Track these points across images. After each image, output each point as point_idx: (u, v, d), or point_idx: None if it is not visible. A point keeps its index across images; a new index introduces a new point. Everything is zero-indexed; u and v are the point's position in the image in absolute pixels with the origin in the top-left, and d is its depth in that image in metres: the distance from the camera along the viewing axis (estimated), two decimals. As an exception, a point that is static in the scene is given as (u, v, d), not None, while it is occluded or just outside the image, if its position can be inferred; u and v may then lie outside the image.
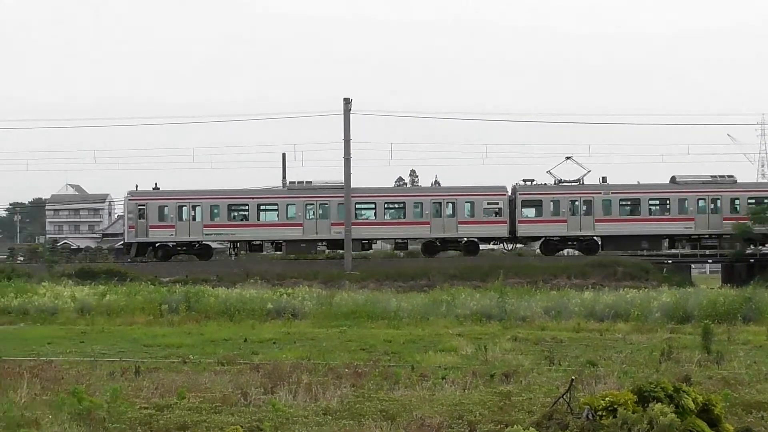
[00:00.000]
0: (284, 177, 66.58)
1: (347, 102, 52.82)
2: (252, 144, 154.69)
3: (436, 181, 67.66)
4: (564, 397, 12.24)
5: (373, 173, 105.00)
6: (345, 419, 13.01)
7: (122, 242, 65.48)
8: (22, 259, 68.36)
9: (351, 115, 52.82)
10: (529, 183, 57.94)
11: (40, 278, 42.35)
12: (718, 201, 55.96)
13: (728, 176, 57.63)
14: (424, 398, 14.66)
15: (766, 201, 56.53)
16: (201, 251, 56.77)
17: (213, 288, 38.03)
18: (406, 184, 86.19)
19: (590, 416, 11.18)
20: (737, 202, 56.03)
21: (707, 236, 56.11)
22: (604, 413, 11.10)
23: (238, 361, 19.88)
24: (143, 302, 34.36)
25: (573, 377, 13.26)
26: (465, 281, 43.91)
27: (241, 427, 12.11)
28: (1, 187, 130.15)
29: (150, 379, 16.87)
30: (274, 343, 24.46)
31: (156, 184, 59.36)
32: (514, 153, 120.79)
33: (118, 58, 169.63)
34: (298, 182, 58.10)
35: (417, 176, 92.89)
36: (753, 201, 56.34)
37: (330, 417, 13.19)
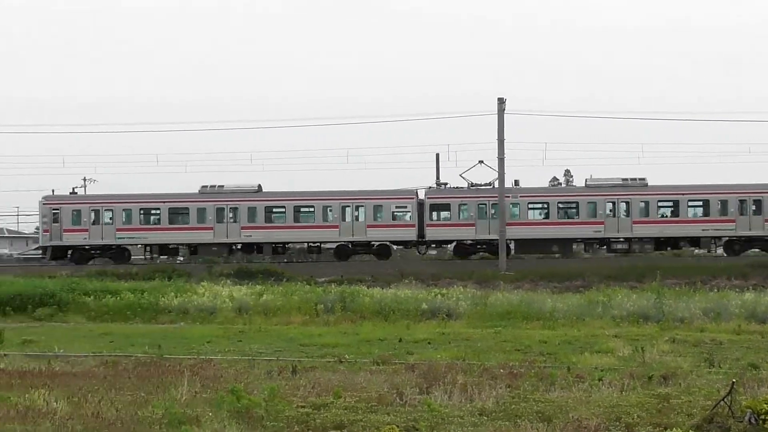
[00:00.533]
0: (438, 177, 66.49)
1: (501, 102, 52.43)
2: (406, 144, 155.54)
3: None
4: (725, 400, 11.87)
5: (527, 173, 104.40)
6: (500, 420, 12.91)
7: (37, 246, 66.79)
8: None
9: (505, 115, 52.41)
10: (442, 187, 58.76)
11: (199, 278, 43.53)
12: (629, 204, 55.99)
13: (639, 179, 57.33)
14: (580, 400, 14.43)
15: (672, 203, 56.41)
16: (116, 254, 57.95)
17: (368, 288, 38.30)
18: (560, 183, 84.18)
19: (753, 420, 10.82)
20: (648, 205, 55.92)
21: (616, 240, 56.16)
22: (767, 417, 10.70)
23: (394, 360, 19.96)
24: (299, 302, 34.88)
25: (734, 380, 12.86)
26: (621, 282, 42.95)
27: (397, 426, 12.13)
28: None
29: (306, 378, 17.10)
30: (429, 343, 24.48)
31: (73, 188, 61.96)
32: (679, 153, 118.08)
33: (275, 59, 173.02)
34: (210, 186, 58.34)
35: (572, 176, 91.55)
36: (663, 204, 56.23)
37: (485, 417, 13.10)
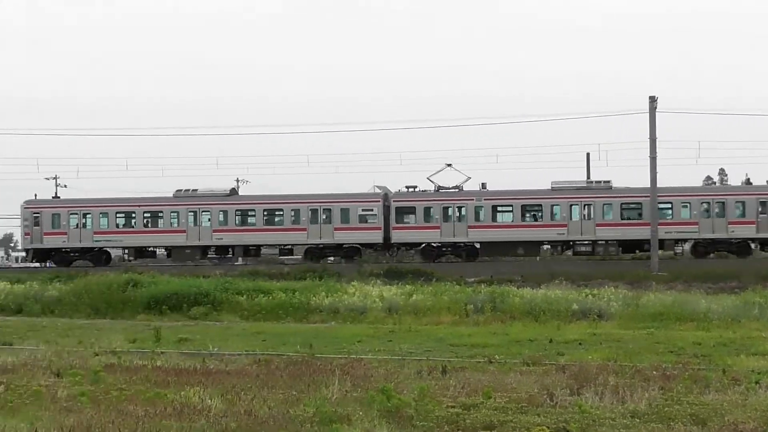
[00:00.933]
0: (588, 177, 65.40)
1: (653, 100, 51.31)
2: (554, 144, 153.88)
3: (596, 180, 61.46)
4: None
5: (679, 172, 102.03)
6: (653, 422, 12.62)
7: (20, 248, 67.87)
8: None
9: (657, 114, 51.24)
10: (411, 190, 58.26)
11: (349, 278, 44.00)
12: (591, 207, 55.58)
13: (604, 182, 57.41)
14: (736, 403, 13.98)
15: (636, 206, 55.65)
16: (95, 257, 58.82)
17: (518, 288, 38.02)
18: (714, 182, 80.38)
19: None
20: (611, 207, 55.56)
21: (581, 242, 55.79)
22: None
23: (544, 361, 19.78)
24: (449, 302, 34.88)
25: None
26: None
27: (548, 428, 12.01)
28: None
29: (456, 378, 17.07)
30: (580, 343, 24.17)
31: (56, 193, 63.44)
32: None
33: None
34: (185, 190, 59.11)
35: (726, 175, 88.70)
36: (626, 206, 55.79)
37: (638, 420, 12.84)
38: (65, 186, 76.50)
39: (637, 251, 55.80)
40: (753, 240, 55.14)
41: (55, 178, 76.86)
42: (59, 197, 64.38)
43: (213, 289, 37.80)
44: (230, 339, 26.11)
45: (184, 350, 22.73)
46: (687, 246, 56.95)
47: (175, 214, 58.21)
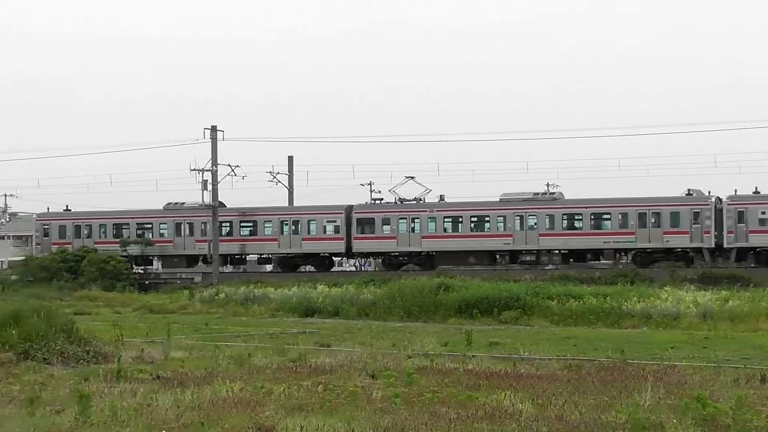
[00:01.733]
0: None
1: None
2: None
3: None
4: None
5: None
6: None
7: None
8: None
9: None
10: (375, 202, 64.08)
11: (661, 283, 43.01)
12: (536, 217, 57.33)
13: (550, 194, 59.97)
14: None
15: (577, 217, 57.31)
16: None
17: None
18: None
19: None
20: (554, 218, 57.18)
21: (526, 252, 57.89)
22: None
23: None
24: (768, 308, 33.30)
25: None
26: None
27: None
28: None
29: (776, 387, 16.29)
30: None
31: (67, 206, 68.86)
32: None
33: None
34: (174, 203, 65.20)
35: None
36: (568, 217, 57.69)
37: None
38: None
39: (572, 260, 58.20)
40: (687, 249, 55.92)
41: (370, 184, 79.74)
42: (70, 210, 69.05)
43: (524, 293, 37.95)
44: (540, 343, 26.13)
45: (494, 354, 22.99)
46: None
47: (164, 225, 65.09)
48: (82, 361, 20.87)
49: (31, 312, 23.04)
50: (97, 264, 59.55)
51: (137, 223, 65.88)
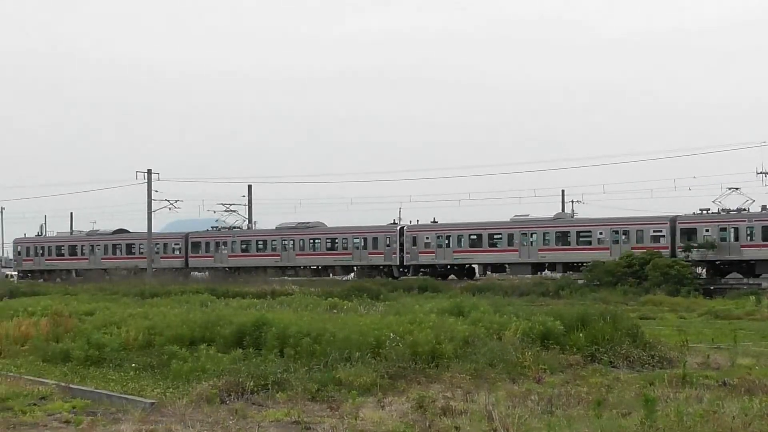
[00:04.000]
0: None
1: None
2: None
3: None
4: None
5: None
6: None
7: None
8: None
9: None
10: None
11: None
12: (295, 242, 79.14)
13: (314, 222, 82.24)
14: None
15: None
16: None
17: None
18: None
19: None
20: (304, 242, 79.02)
21: (287, 267, 78.49)
22: None
23: None
24: None
25: None
26: None
27: None
28: None
29: None
30: None
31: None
32: None
33: None
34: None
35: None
36: (318, 241, 79.16)
37: None
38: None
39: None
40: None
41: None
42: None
43: None
44: None
45: None
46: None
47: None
48: (646, 365, 21.05)
49: (597, 316, 23.73)
50: (661, 268, 59.52)
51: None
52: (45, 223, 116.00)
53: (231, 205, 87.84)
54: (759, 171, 67.62)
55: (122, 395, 17.50)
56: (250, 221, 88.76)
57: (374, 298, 38.05)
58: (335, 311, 28.18)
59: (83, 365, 21.88)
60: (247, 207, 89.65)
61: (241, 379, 17.69)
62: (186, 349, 21.65)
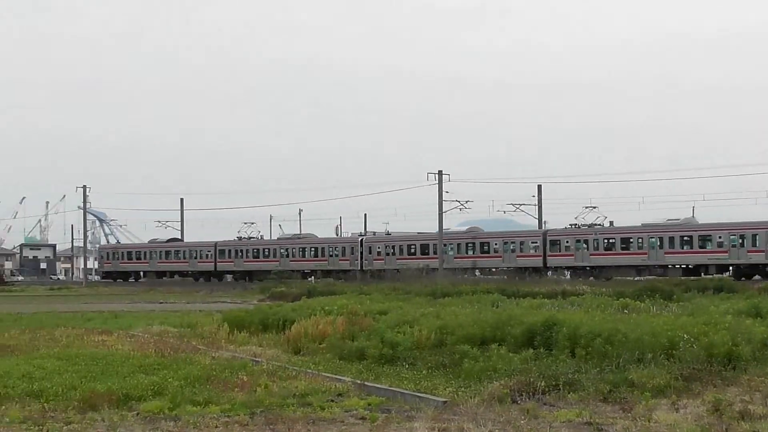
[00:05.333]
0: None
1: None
2: None
3: None
4: None
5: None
6: None
7: None
8: None
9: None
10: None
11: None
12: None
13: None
14: None
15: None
16: None
17: None
18: None
19: None
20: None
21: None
22: None
23: None
24: None
25: None
26: None
27: None
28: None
29: None
30: None
31: None
32: None
33: None
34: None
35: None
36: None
37: None
38: None
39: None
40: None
41: None
42: None
43: None
44: None
45: None
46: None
47: None
48: None
49: None
50: None
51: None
52: (340, 224, 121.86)
53: (521, 205, 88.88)
54: None
55: (415, 393, 17.84)
56: (539, 222, 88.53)
57: (667, 298, 36.88)
58: (626, 312, 27.55)
59: (377, 363, 22.51)
60: (537, 207, 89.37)
61: (532, 379, 17.63)
62: (477, 348, 21.83)
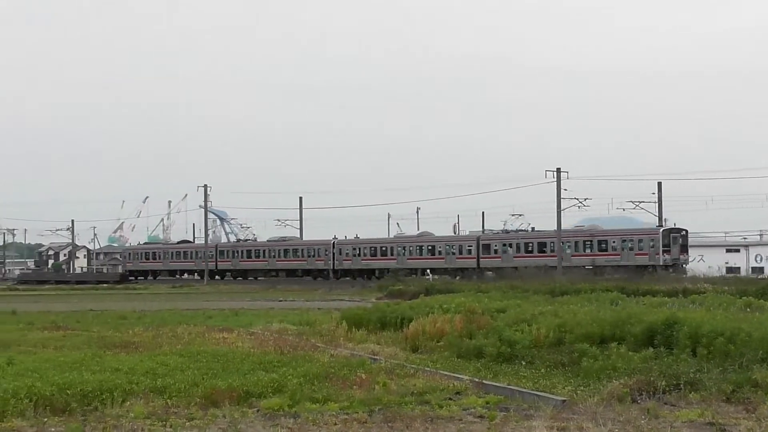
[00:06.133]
0: None
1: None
2: None
3: None
4: None
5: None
6: None
7: None
8: None
9: None
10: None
11: None
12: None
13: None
14: None
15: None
16: None
17: None
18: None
19: None
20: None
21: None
22: None
23: None
24: None
25: None
26: None
27: None
28: None
29: None
30: None
31: None
32: None
33: None
34: None
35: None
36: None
37: None
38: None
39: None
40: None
41: None
42: None
43: None
44: None
45: None
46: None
47: None
48: None
49: None
50: None
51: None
52: (458, 222, 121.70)
53: (641, 202, 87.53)
54: None
55: (534, 392, 17.75)
56: (660, 220, 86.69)
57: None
58: (749, 310, 26.86)
59: (495, 361, 22.45)
60: (657, 204, 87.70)
61: (652, 378, 17.37)
62: (596, 347, 21.60)
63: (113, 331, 31.72)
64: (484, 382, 19.09)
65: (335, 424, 14.88)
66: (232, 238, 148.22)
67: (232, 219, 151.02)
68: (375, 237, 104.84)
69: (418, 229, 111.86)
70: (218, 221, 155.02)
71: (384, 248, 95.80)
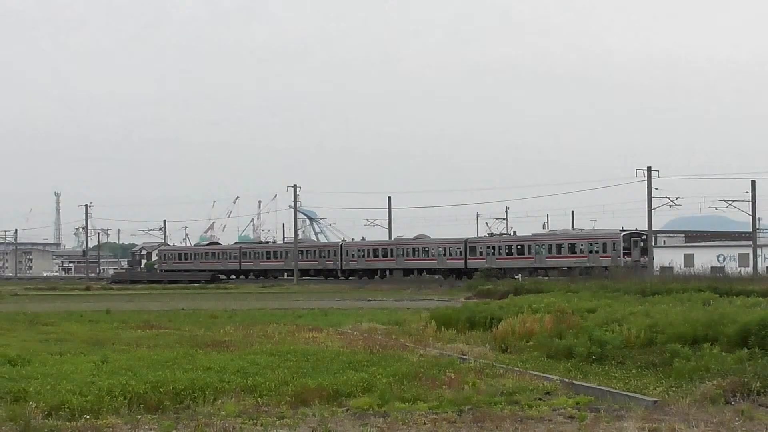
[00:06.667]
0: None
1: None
2: None
3: None
4: None
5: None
6: None
7: None
8: None
9: None
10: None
11: None
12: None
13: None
14: None
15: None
16: None
17: None
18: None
19: None
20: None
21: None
22: None
23: None
24: None
25: None
26: None
27: None
28: None
29: None
30: None
31: None
32: None
33: None
34: None
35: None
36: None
37: None
38: None
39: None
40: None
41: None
42: None
43: None
44: None
45: None
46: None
47: None
48: None
49: None
50: None
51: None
52: (547, 222, 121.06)
53: (733, 201, 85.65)
54: None
55: (625, 393, 17.56)
56: (753, 219, 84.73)
57: None
58: None
59: (585, 362, 22.26)
60: (750, 203, 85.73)
61: (746, 380, 17.05)
62: (688, 347, 21.28)
63: (204, 330, 32.12)
64: (574, 382, 18.94)
65: (424, 423, 14.88)
66: (321, 238, 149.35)
67: (321, 219, 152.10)
68: (376, 240, 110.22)
69: (507, 229, 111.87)
70: (307, 221, 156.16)
71: (385, 250, 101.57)
